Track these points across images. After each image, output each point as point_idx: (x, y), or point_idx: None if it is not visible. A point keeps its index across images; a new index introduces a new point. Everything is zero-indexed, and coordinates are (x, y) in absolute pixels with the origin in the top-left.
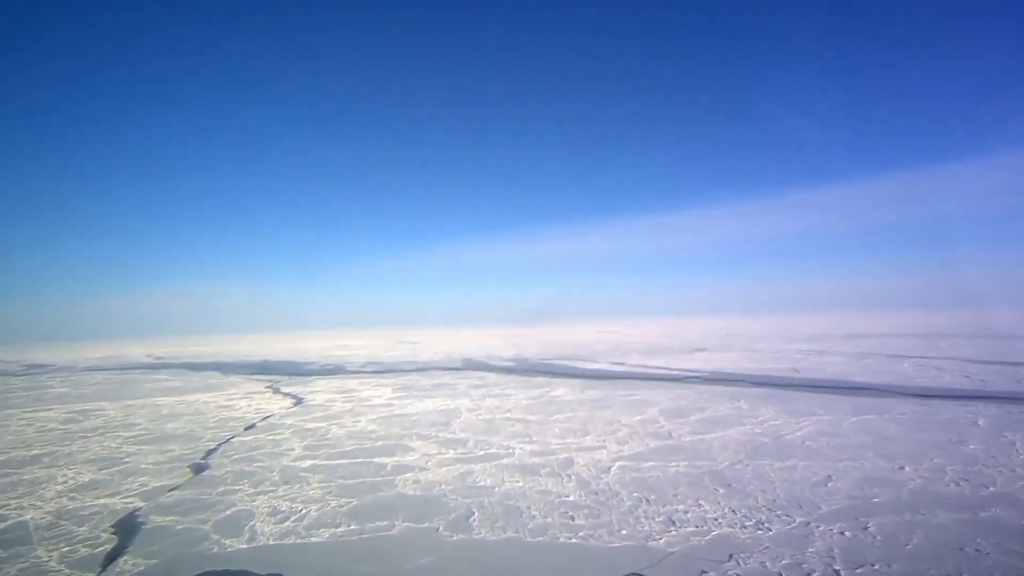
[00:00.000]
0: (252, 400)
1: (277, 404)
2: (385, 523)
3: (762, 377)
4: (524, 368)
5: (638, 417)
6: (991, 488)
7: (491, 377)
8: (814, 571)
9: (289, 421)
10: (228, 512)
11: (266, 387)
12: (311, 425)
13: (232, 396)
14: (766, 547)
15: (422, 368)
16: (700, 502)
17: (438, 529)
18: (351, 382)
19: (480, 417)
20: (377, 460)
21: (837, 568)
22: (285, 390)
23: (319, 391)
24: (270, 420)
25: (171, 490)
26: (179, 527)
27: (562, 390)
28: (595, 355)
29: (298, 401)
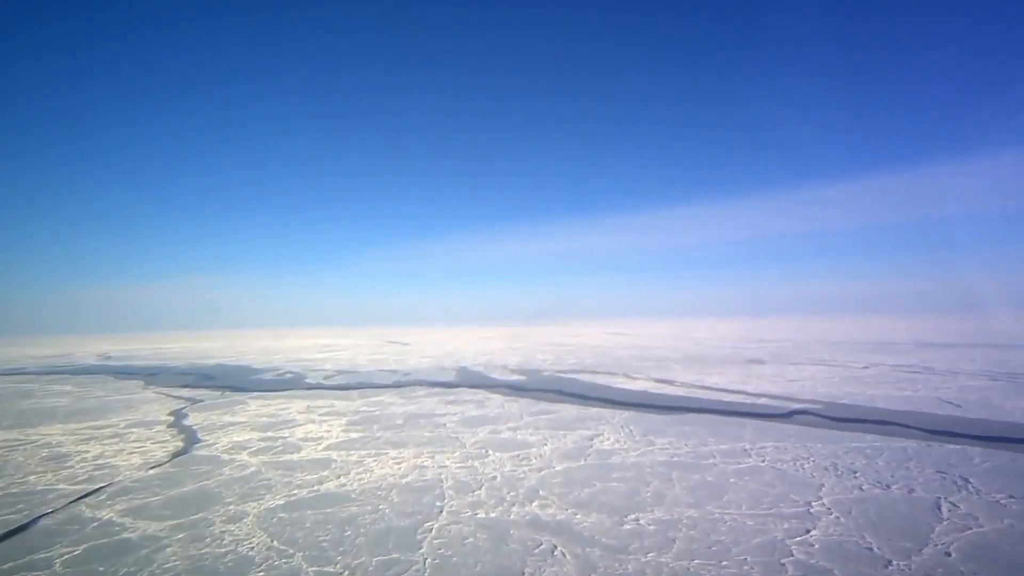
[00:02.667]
0: (118, 442)
1: (144, 455)
2: None
3: (914, 415)
4: (538, 385)
5: (813, 530)
6: None
7: (494, 401)
8: None
9: (108, 513)
10: None
11: (170, 412)
12: (140, 527)
13: (99, 430)
14: None
15: (402, 383)
16: None
17: None
18: (296, 405)
19: (479, 514)
20: None
21: None
22: (191, 419)
23: (238, 423)
24: (81, 506)
25: None
26: None
27: (611, 434)
28: (623, 366)
29: (186, 447)
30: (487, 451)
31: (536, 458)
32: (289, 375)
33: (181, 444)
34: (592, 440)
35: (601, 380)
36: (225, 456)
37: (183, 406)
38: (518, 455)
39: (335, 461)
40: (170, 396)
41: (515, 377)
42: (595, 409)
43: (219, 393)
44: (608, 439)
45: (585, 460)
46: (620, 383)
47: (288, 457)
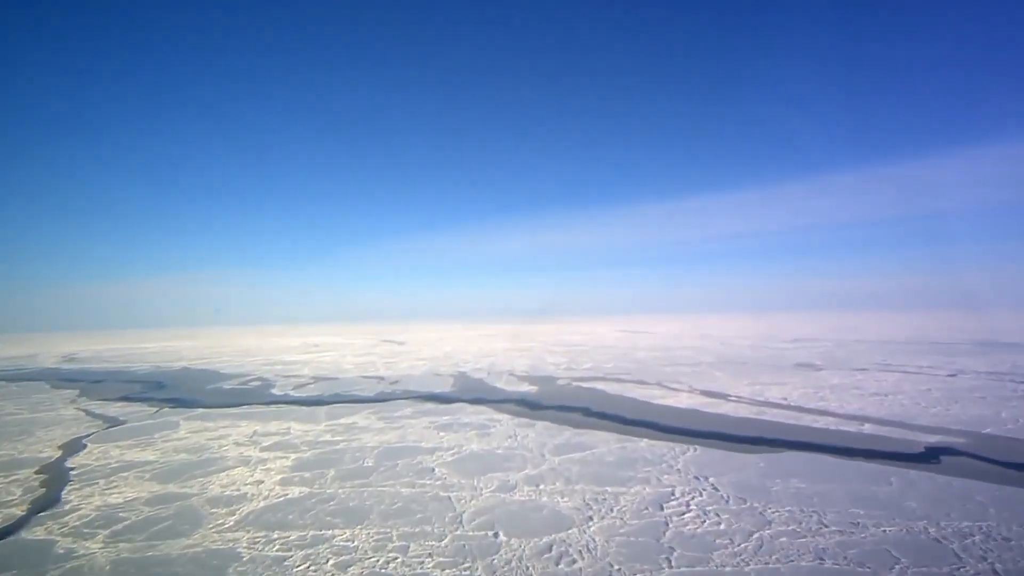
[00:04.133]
0: None
1: None
2: None
3: None
4: (555, 399)
5: None
6: None
7: (502, 426)
8: None
9: None
10: None
11: (67, 442)
12: None
13: None
14: None
15: (386, 395)
16: None
17: None
18: (240, 430)
19: None
20: None
21: None
22: (82, 456)
23: (142, 464)
24: None
25: None
26: None
27: (684, 491)
28: (652, 372)
29: (18, 523)
30: (496, 534)
31: (582, 555)
32: (255, 383)
33: (20, 513)
34: (663, 507)
35: (632, 391)
36: (61, 547)
37: (92, 432)
38: (549, 546)
39: (240, 558)
40: (90, 415)
41: (525, 387)
42: (644, 441)
43: (154, 410)
44: (687, 504)
45: (670, 564)
46: (659, 396)
47: (164, 550)
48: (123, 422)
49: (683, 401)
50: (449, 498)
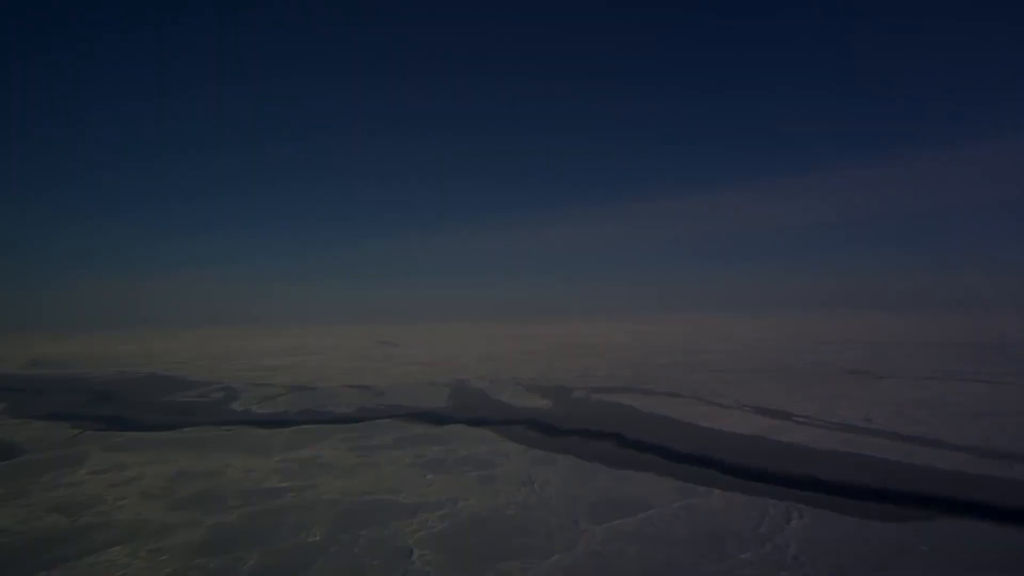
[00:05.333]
0: None
1: None
2: None
3: None
4: (574, 419)
5: None
6: None
7: (509, 464)
8: None
9: None
10: None
11: None
12: None
13: None
14: None
15: (368, 411)
16: None
17: None
18: (163, 468)
19: None
20: None
21: None
22: None
23: None
24: None
25: None
26: None
27: None
28: (682, 382)
29: None
30: None
31: None
32: (218, 395)
33: None
34: None
35: (668, 408)
36: None
37: None
38: None
39: None
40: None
41: (536, 401)
42: (716, 493)
43: (75, 433)
44: None
45: None
46: (704, 416)
47: None
48: (21, 453)
49: (737, 422)
50: None
